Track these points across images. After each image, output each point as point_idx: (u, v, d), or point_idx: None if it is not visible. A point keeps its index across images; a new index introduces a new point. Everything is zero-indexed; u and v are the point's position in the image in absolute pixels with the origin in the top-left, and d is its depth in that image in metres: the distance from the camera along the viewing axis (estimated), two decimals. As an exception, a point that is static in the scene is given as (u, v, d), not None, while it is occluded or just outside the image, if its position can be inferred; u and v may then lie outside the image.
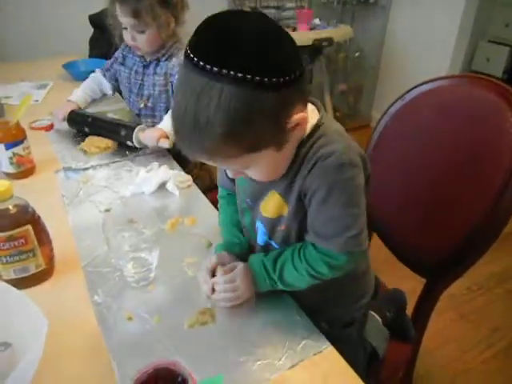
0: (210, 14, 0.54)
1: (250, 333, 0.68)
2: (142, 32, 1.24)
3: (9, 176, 1.07)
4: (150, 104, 1.39)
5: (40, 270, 0.76)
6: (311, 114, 0.64)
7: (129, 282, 0.77)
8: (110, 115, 1.39)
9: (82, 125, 1.28)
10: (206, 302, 0.73)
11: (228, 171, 0.68)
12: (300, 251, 0.69)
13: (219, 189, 0.88)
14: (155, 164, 1.10)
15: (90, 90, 1.46)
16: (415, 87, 0.99)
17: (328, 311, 0.77)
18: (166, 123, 1.19)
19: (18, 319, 0.59)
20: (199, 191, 1.06)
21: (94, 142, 1.23)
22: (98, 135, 1.25)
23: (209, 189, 1.42)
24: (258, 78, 0.50)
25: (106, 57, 1.91)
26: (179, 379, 0.46)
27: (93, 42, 2.13)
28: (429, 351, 1.47)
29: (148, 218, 0.80)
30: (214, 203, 1.03)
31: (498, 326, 1.61)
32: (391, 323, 0.90)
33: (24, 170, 1.09)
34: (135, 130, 1.17)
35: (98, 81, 1.48)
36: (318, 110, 0.67)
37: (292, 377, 0.61)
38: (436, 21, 2.64)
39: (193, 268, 0.81)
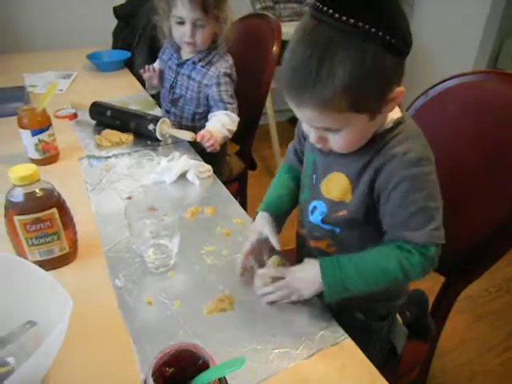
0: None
1: (267, 321, 0.68)
2: (203, 27, 1.23)
3: (34, 162, 1.09)
4: (180, 103, 1.38)
5: (64, 252, 0.78)
6: (394, 110, 0.68)
7: (149, 268, 0.78)
8: (134, 107, 1.39)
9: (101, 117, 1.30)
10: (224, 289, 0.74)
11: (312, 134, 0.67)
12: (388, 244, 0.68)
13: (285, 159, 0.93)
14: (176, 154, 1.11)
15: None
16: (439, 83, 0.97)
17: (366, 304, 0.78)
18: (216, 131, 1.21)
19: (44, 299, 0.61)
20: (219, 182, 1.06)
21: (108, 136, 1.24)
22: (115, 129, 1.26)
23: (228, 181, 1.43)
24: (388, 37, 0.53)
25: (130, 48, 1.94)
26: (200, 362, 0.47)
27: (117, 33, 2.15)
28: (445, 352, 1.46)
29: (169, 206, 0.80)
30: (234, 194, 1.04)
31: (516, 329, 1.58)
32: (410, 323, 0.89)
33: (49, 156, 1.11)
34: (158, 123, 1.18)
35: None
36: (401, 109, 0.70)
37: (309, 366, 0.62)
38: (462, 17, 2.58)
39: (212, 256, 0.81)
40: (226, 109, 1.29)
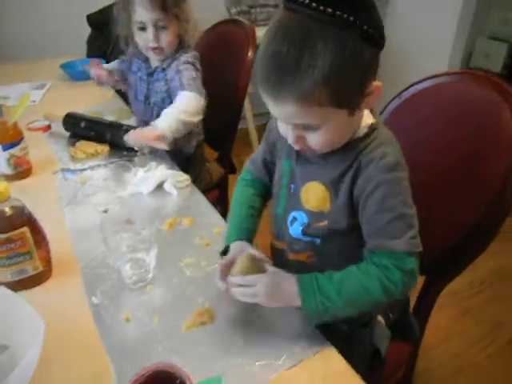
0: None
1: (249, 333, 0.67)
2: (165, 28, 1.20)
3: (6, 177, 1.07)
4: (155, 111, 1.33)
5: (37, 272, 0.75)
6: (367, 116, 0.68)
7: (127, 284, 0.76)
8: (109, 117, 1.38)
9: (76, 128, 1.27)
10: (204, 302, 0.72)
11: (290, 134, 0.64)
12: (367, 261, 0.66)
13: (245, 172, 0.89)
14: (153, 164, 1.09)
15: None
16: (412, 85, 0.98)
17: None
18: (164, 122, 1.12)
19: (15, 322, 0.59)
20: (197, 191, 1.05)
21: (83, 147, 1.21)
22: (91, 140, 1.23)
23: (208, 188, 1.42)
24: (365, 27, 0.54)
25: (104, 56, 1.91)
26: (177, 382, 0.46)
27: (90, 41, 2.13)
28: (430, 348, 1.47)
29: (146, 218, 0.79)
30: (213, 203, 1.03)
31: (502, 322, 1.61)
32: (393, 324, 0.89)
33: (21, 171, 1.08)
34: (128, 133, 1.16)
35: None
36: (373, 115, 0.70)
37: (292, 377, 0.61)
38: (434, 17, 2.63)
39: (191, 268, 0.80)
40: (191, 90, 1.20)
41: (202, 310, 0.70)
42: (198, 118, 1.20)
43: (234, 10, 2.47)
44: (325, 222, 0.70)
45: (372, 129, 0.67)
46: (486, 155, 0.84)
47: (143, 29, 1.20)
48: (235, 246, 0.76)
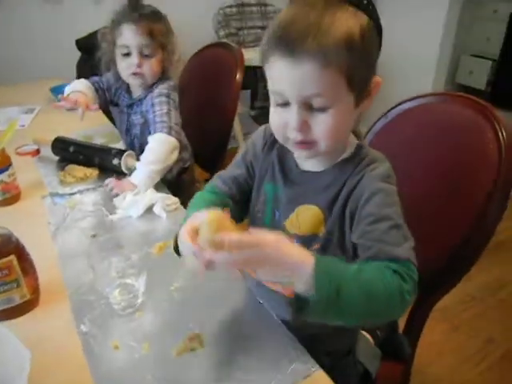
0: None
1: (238, 358, 0.67)
2: (149, 56, 1.19)
3: (-6, 204, 1.06)
4: (136, 144, 1.34)
5: (24, 300, 0.74)
6: (352, 138, 0.69)
7: (115, 310, 0.76)
8: (99, 141, 1.38)
9: (65, 153, 1.27)
10: (194, 327, 0.72)
11: (294, 121, 0.60)
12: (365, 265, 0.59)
13: (207, 187, 0.81)
14: (143, 188, 1.10)
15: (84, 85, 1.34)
16: (397, 105, 1.01)
17: (329, 342, 0.74)
18: (137, 178, 1.10)
19: (0, 354, 0.58)
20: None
21: (72, 171, 1.21)
22: (80, 164, 1.24)
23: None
24: (374, 15, 0.59)
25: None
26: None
27: (80, 65, 2.15)
28: (423, 364, 1.46)
29: (135, 243, 0.79)
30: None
31: (493, 337, 1.61)
32: (382, 342, 0.89)
33: (9, 196, 1.08)
34: (123, 156, 1.17)
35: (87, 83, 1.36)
36: (357, 136, 0.70)
37: (282, 402, 0.60)
38: (419, 36, 2.70)
39: (180, 292, 0.80)
40: (155, 130, 1.19)
41: (193, 335, 0.70)
42: (172, 158, 1.19)
43: (222, 33, 2.52)
44: (317, 245, 0.68)
45: (359, 147, 0.68)
46: (471, 172, 0.86)
47: (127, 54, 1.19)
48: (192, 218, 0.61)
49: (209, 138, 1.50)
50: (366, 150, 0.68)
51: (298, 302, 0.54)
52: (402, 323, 0.97)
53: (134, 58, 1.19)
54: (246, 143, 0.80)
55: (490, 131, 0.82)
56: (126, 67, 1.21)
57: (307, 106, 0.59)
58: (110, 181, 1.11)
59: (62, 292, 0.80)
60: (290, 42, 0.56)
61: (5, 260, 0.70)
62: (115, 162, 1.17)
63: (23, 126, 1.55)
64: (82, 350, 0.68)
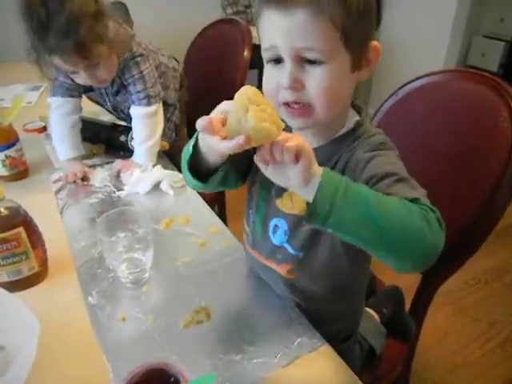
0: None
1: (244, 331, 0.67)
2: (97, 65, 1.01)
3: (2, 178, 1.07)
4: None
5: (33, 272, 0.75)
6: (353, 114, 0.66)
7: (123, 283, 0.76)
8: (105, 118, 1.37)
9: None
10: (200, 300, 0.72)
11: (287, 76, 0.56)
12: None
13: None
14: (149, 164, 1.09)
15: (68, 135, 1.14)
16: (407, 84, 0.99)
17: (328, 327, 0.72)
18: (140, 159, 1.11)
19: (10, 322, 0.59)
20: (193, 191, 1.05)
21: None
22: (86, 140, 1.23)
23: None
24: None
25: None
26: (172, 379, 0.46)
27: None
28: (427, 346, 1.47)
29: (142, 218, 0.79)
30: (209, 202, 1.03)
31: (496, 320, 1.61)
32: (388, 320, 0.90)
33: (17, 172, 1.08)
34: (130, 133, 1.16)
35: (64, 114, 1.15)
36: (359, 113, 0.67)
37: (287, 374, 0.61)
38: (430, 16, 2.64)
39: (187, 267, 0.80)
40: (133, 102, 1.11)
41: (199, 308, 0.70)
42: (161, 122, 1.15)
43: (229, 11, 2.48)
44: (306, 227, 0.65)
45: (358, 124, 0.64)
46: (482, 154, 0.84)
47: (73, 73, 1.02)
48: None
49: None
50: (365, 128, 0.64)
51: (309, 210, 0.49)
52: (407, 304, 0.98)
53: (84, 77, 1.01)
54: None
55: (504, 109, 0.80)
56: (81, 82, 1.06)
57: (300, 62, 0.56)
58: (117, 163, 1.10)
59: (70, 265, 0.81)
60: None
61: (13, 232, 0.71)
62: (122, 138, 1.17)
63: (30, 102, 1.55)
64: (90, 322, 0.69)
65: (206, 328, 0.68)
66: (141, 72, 1.10)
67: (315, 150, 0.60)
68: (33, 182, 1.09)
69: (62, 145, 1.13)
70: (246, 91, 0.48)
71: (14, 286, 0.73)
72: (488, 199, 0.81)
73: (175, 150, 1.21)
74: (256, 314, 0.71)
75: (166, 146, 1.16)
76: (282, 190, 0.67)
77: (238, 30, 1.49)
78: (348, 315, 0.78)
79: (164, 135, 1.21)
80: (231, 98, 0.51)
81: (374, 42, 0.60)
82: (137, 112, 1.12)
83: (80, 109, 1.18)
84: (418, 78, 0.98)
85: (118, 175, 1.10)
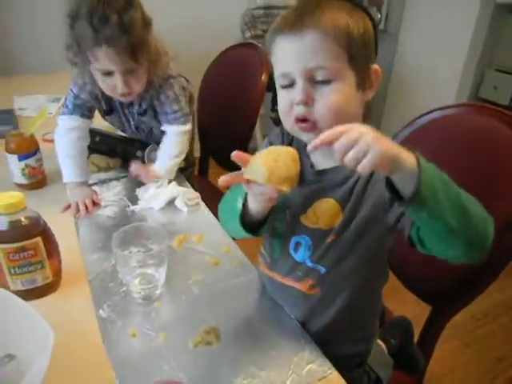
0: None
1: (254, 355, 0.67)
2: (135, 72, 1.01)
3: (20, 187, 1.08)
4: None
5: (47, 282, 0.76)
6: None
7: (135, 298, 0.77)
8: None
9: (89, 142, 1.24)
10: (210, 320, 0.72)
11: (299, 92, 0.61)
12: None
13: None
14: (165, 180, 1.11)
15: (79, 158, 1.11)
16: (424, 115, 1.00)
17: (344, 349, 0.73)
18: (163, 168, 1.12)
19: (23, 331, 0.59)
20: (207, 209, 1.06)
21: (95, 160, 1.23)
22: (103, 154, 1.25)
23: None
24: (368, 13, 0.65)
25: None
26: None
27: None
28: (434, 380, 1.44)
29: (158, 235, 0.80)
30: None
31: (504, 356, 1.58)
32: (396, 351, 0.89)
33: (35, 181, 1.10)
34: (147, 149, 1.18)
35: (79, 137, 1.13)
36: None
37: (296, 401, 0.61)
38: (444, 48, 2.68)
39: (199, 286, 0.81)
40: (168, 121, 1.13)
41: (209, 328, 0.70)
42: (187, 148, 1.19)
43: (248, 34, 2.53)
44: (332, 237, 0.68)
45: None
46: (496, 186, 0.84)
47: (109, 74, 1.00)
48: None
49: (230, 136, 1.51)
50: None
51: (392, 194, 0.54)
52: (415, 336, 0.97)
53: (119, 81, 1.00)
54: (263, 145, 0.80)
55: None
56: (109, 88, 1.04)
57: (312, 81, 0.62)
58: (135, 167, 1.09)
59: (82, 277, 0.81)
60: (292, 19, 0.61)
61: (32, 241, 0.72)
62: (139, 154, 1.19)
63: (51, 113, 1.58)
64: (101, 335, 0.69)
65: (216, 349, 0.68)
66: (175, 93, 1.13)
67: (338, 167, 0.67)
68: (49, 192, 1.11)
69: (72, 168, 1.10)
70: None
71: (27, 295, 0.73)
72: (501, 234, 0.81)
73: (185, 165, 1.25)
74: (266, 337, 0.70)
75: (182, 163, 1.17)
76: (304, 207, 0.70)
77: (257, 53, 1.52)
78: (363, 338, 0.78)
79: None
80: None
81: (375, 65, 0.66)
82: (173, 129, 1.15)
83: (89, 135, 1.18)
84: (434, 110, 0.99)
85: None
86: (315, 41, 0.60)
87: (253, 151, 0.65)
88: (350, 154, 0.50)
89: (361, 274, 0.70)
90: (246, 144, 1.55)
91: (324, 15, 0.60)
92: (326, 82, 0.61)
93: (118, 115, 1.20)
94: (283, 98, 0.66)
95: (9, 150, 1.06)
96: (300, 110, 0.63)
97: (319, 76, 0.61)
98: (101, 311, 0.74)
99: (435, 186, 0.51)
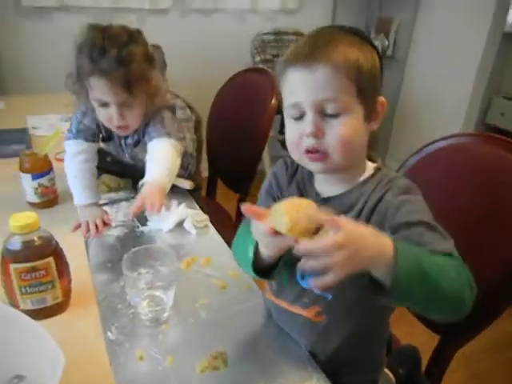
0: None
1: (262, 382, 0.67)
2: (131, 106, 1.02)
3: (32, 205, 1.10)
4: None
5: (57, 302, 0.77)
6: (369, 163, 0.72)
7: (142, 321, 0.77)
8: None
9: (101, 162, 1.24)
10: (218, 345, 0.72)
11: (309, 124, 0.63)
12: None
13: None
14: (174, 202, 1.12)
15: (90, 180, 1.13)
16: (432, 143, 1.01)
17: (352, 379, 0.74)
18: (158, 174, 1.01)
19: (33, 351, 0.60)
20: (215, 231, 1.07)
21: (106, 181, 1.26)
22: (114, 174, 1.27)
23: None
24: (375, 47, 0.68)
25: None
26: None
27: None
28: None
29: (168, 257, 0.81)
30: (230, 244, 1.04)
31: (513, 389, 1.55)
32: (404, 381, 0.88)
33: (47, 200, 1.12)
34: (139, 184, 1.18)
35: (87, 159, 1.15)
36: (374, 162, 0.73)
37: (302, 431, 0.60)
38: (452, 75, 2.71)
39: (206, 310, 0.81)
40: (151, 139, 1.08)
41: (216, 353, 0.70)
42: (178, 161, 1.09)
43: (258, 58, 2.59)
44: None
45: (377, 169, 0.71)
46: (505, 215, 0.85)
47: (105, 105, 1.02)
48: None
49: (239, 159, 1.52)
50: (384, 172, 0.70)
51: (375, 287, 0.56)
52: (423, 364, 0.96)
53: (114, 113, 1.01)
54: (267, 177, 0.81)
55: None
56: (105, 118, 1.05)
57: (321, 114, 0.63)
58: (135, 207, 0.96)
59: (91, 298, 0.82)
60: (304, 55, 0.63)
61: (44, 261, 0.73)
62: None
63: (64, 133, 1.61)
64: (108, 357, 0.69)
65: (223, 375, 0.68)
66: (163, 122, 1.10)
67: (343, 195, 0.69)
68: (60, 211, 1.13)
69: (81, 189, 1.11)
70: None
71: (37, 315, 0.74)
72: (510, 264, 0.81)
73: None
74: (274, 363, 0.70)
75: (192, 185, 1.19)
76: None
77: (266, 78, 1.55)
78: (371, 368, 0.77)
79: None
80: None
81: (381, 98, 0.68)
82: (156, 140, 1.08)
83: (96, 156, 1.18)
84: (441, 139, 1.00)
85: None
86: (326, 75, 0.62)
87: (260, 173, 0.66)
88: (311, 263, 0.52)
89: (367, 301, 0.68)
90: (254, 167, 1.56)
91: (337, 50, 0.62)
92: (336, 115, 0.63)
93: (114, 144, 1.22)
94: (292, 129, 0.67)
95: (23, 169, 1.09)
96: (310, 142, 0.64)
97: (329, 109, 0.63)
98: (109, 333, 0.74)
99: (412, 283, 0.54)
